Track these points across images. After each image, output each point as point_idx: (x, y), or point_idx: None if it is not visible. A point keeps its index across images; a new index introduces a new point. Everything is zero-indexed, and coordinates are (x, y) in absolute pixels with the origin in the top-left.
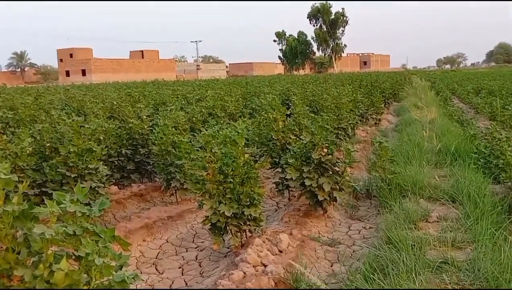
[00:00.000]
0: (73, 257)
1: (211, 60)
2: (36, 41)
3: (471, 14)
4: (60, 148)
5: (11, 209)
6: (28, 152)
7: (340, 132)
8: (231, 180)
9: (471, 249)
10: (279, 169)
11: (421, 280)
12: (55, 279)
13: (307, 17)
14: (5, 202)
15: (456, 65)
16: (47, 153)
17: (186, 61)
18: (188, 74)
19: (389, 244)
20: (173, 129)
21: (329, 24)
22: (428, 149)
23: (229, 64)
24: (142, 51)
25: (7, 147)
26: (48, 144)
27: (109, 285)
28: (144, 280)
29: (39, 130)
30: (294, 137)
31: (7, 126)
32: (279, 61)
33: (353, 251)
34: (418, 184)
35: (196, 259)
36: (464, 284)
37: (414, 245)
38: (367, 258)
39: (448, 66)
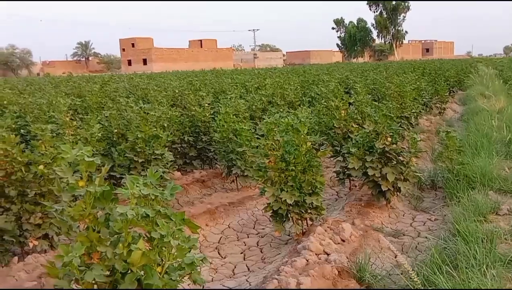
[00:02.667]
0: (145, 238)
1: (268, 49)
2: (100, 31)
3: None
4: (128, 134)
5: (94, 190)
6: (97, 137)
7: (403, 121)
8: (293, 168)
9: None
10: (340, 158)
11: (493, 274)
12: (132, 259)
13: (367, 3)
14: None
15: None
16: (114, 139)
17: (244, 50)
18: (245, 62)
19: (458, 237)
20: (234, 117)
21: (390, 10)
22: (497, 139)
23: (286, 52)
24: (200, 40)
25: (78, 133)
26: (116, 130)
27: (180, 267)
28: (210, 263)
29: (107, 116)
30: (357, 126)
31: (76, 112)
32: (336, 49)
33: (418, 242)
34: (487, 175)
35: (257, 245)
36: None
37: (484, 238)
38: (435, 250)
39: None
